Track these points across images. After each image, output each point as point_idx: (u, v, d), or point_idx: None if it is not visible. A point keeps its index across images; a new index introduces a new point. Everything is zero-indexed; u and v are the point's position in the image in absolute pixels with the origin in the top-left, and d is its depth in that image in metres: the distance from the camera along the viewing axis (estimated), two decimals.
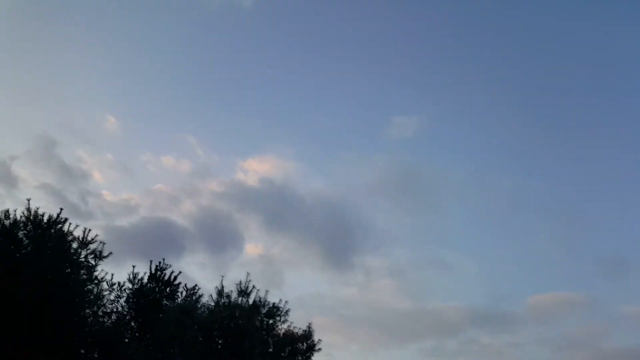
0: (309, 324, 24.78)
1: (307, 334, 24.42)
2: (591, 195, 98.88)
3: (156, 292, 20.27)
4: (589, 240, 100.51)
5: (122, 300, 19.99)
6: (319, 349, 24.34)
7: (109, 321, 19.47)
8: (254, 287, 23.22)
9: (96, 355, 18.62)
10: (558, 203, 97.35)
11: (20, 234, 18.11)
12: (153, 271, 20.55)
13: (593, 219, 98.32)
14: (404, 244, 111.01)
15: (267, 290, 23.54)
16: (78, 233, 19.08)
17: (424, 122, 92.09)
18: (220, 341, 21.60)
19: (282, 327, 23.96)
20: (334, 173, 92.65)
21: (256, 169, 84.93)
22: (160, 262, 20.74)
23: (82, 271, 18.64)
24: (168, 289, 20.61)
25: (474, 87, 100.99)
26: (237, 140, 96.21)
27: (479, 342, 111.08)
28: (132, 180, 77.94)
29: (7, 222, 17.98)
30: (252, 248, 78.17)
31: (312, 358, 24.01)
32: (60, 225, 18.68)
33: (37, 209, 18.55)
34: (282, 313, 23.81)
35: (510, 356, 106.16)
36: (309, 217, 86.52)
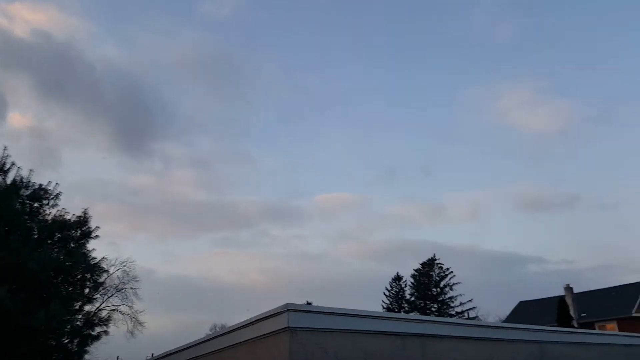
0: (85, 209, 22.36)
1: (82, 220, 21.98)
2: (382, 107, 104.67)
3: None
4: (373, 150, 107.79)
5: None
6: (96, 236, 22.15)
7: None
8: (14, 164, 20.00)
9: None
10: (356, 111, 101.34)
11: None
12: None
13: (377, 133, 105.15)
14: (210, 134, 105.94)
15: (31, 170, 20.45)
16: None
17: (243, 3, 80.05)
18: None
19: (51, 212, 21.27)
20: (135, 42, 77.77)
21: (27, 17, 67.37)
22: None
23: None
24: None
25: None
26: None
27: (270, 234, 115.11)
28: None
29: None
30: (18, 118, 64.75)
31: (87, 245, 21.81)
32: None
33: None
34: (52, 196, 21.00)
35: (295, 247, 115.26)
36: (98, 88, 71.11)
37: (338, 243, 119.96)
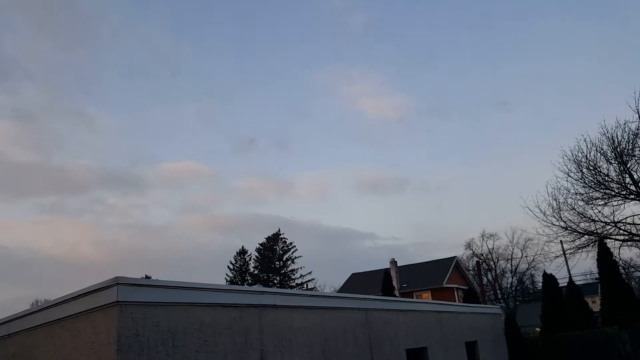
0: None
1: None
2: (237, 76, 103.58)
3: None
4: (226, 120, 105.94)
5: None
6: None
7: None
8: None
9: None
10: (210, 77, 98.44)
11: None
12: None
13: (232, 102, 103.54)
14: (38, 83, 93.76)
15: None
16: None
17: None
18: None
19: None
20: None
21: None
22: None
23: None
24: None
25: None
26: None
27: (106, 202, 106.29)
28: None
29: None
30: None
31: None
32: None
33: None
34: None
35: (135, 216, 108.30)
36: None
37: (183, 215, 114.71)
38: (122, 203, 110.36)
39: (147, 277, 36.41)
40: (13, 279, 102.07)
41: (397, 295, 37.52)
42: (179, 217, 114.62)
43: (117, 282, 5.75)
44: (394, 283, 35.86)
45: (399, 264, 45.87)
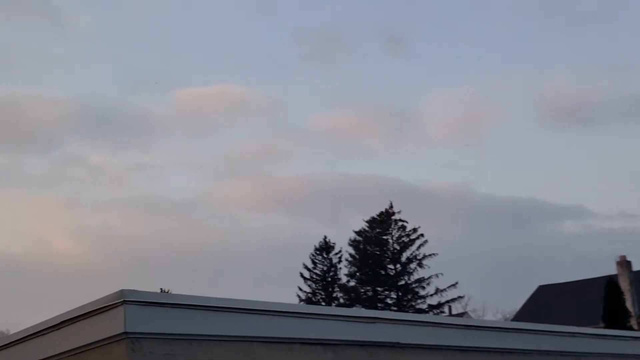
0: None
1: None
2: None
3: None
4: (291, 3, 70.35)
5: None
6: None
7: None
8: None
9: None
10: None
11: None
12: None
13: None
14: None
15: None
16: None
17: None
18: None
19: None
20: None
21: None
22: None
23: None
24: None
25: None
26: None
27: (86, 161, 68.05)
28: None
29: None
30: None
31: None
32: None
33: None
34: None
35: (137, 186, 70.65)
36: None
37: (218, 181, 69.07)
38: (114, 163, 65.87)
39: (163, 292, 21.29)
40: None
41: (637, 326, 23.60)
42: (211, 184, 68.82)
43: (124, 300, 3.42)
44: (629, 304, 21.84)
45: (635, 267, 27.57)
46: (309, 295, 43.65)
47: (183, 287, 48.86)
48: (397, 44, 67.48)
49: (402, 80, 69.04)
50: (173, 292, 5.19)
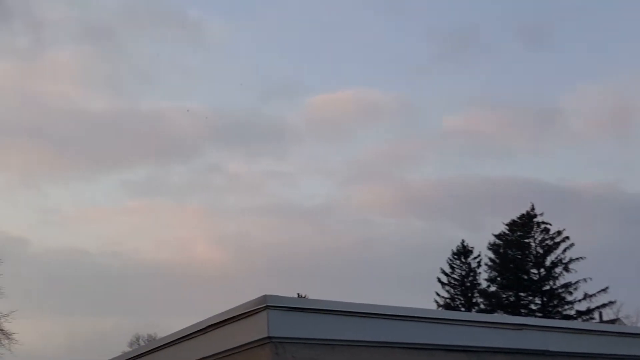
0: None
1: None
2: None
3: None
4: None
5: None
6: None
7: None
8: None
9: None
10: None
11: None
12: None
13: None
14: None
15: None
16: None
17: None
18: None
19: None
20: None
21: None
22: None
23: None
24: None
25: None
26: None
27: (224, 169, 70.02)
28: None
29: None
30: None
31: None
32: None
33: None
34: None
35: (273, 193, 70.22)
36: None
37: (349, 186, 68.74)
38: (250, 170, 66.19)
39: (300, 297, 25.59)
40: (96, 302, 59.39)
41: None
42: (343, 190, 68.91)
43: (267, 305, 3.50)
44: None
45: None
46: (448, 300, 43.09)
47: (318, 292, 50.41)
48: (537, 38, 62.31)
49: (542, 77, 64.65)
50: (309, 298, 5.28)
